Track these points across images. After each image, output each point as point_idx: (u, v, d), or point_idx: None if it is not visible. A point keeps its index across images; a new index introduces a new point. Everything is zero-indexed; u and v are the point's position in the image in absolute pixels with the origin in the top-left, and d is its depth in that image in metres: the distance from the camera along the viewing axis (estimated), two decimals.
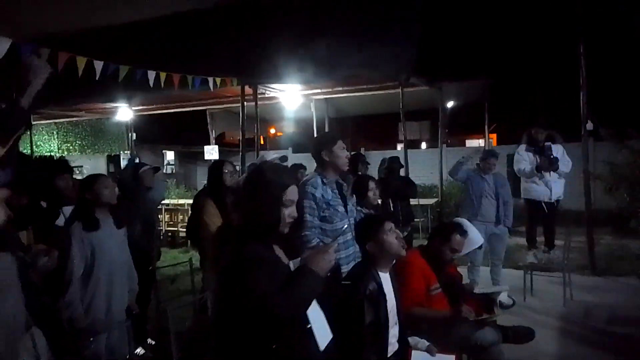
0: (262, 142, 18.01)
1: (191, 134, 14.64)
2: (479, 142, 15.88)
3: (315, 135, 10.57)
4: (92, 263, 2.89)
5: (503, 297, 4.50)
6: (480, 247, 3.76)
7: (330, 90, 9.45)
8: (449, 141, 20.60)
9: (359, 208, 3.68)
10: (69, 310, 2.87)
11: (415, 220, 8.32)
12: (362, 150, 14.52)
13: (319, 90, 9.51)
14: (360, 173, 5.88)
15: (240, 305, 1.65)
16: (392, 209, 5.50)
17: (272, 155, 4.31)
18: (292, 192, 1.80)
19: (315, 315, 1.79)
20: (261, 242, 1.73)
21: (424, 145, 22.15)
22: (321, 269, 1.73)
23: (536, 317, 4.90)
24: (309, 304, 1.71)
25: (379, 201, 4.68)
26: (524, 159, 5.79)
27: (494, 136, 21.36)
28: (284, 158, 4.52)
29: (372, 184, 3.93)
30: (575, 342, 4.31)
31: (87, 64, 5.57)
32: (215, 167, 3.59)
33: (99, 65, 5.55)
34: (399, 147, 19.05)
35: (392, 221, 2.62)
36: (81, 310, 2.91)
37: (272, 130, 22.66)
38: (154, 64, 6.66)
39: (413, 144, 22.12)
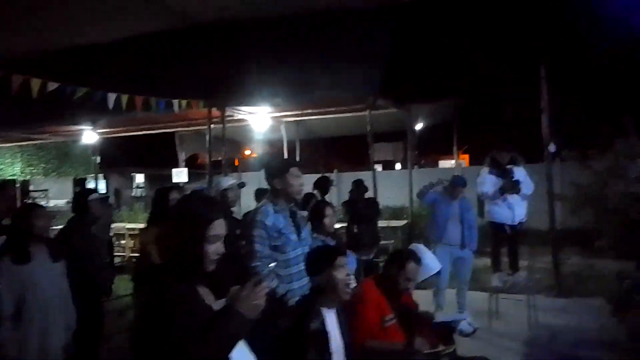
0: (236, 163, 17.89)
1: (162, 156, 14.44)
2: (452, 163, 16.00)
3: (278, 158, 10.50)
4: (23, 299, 2.71)
5: (463, 325, 4.43)
6: (438, 273, 3.69)
7: (300, 112, 9.43)
8: (422, 162, 20.82)
9: (315, 235, 3.58)
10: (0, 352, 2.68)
11: (385, 242, 8.27)
12: (336, 172, 14.49)
13: (288, 113, 9.49)
14: (322, 197, 5.81)
15: (155, 350, 1.52)
16: (356, 232, 5.44)
17: (230, 181, 4.18)
18: (218, 227, 1.69)
19: (241, 359, 1.66)
20: (182, 281, 1.61)
21: (398, 166, 22.31)
22: (248, 310, 1.61)
23: (501, 341, 4.84)
24: (232, 348, 1.58)
25: (336, 227, 4.59)
26: (487, 182, 5.80)
27: (466, 157, 21.65)
28: (242, 184, 4.42)
29: (328, 210, 3.84)
30: None
31: (43, 86, 5.42)
32: (160, 195, 3.45)
33: (54, 87, 5.39)
34: (376, 167, 19.13)
35: (345, 255, 2.52)
36: (14, 352, 2.72)
37: (248, 152, 22.53)
38: (115, 86, 6.53)
39: (387, 165, 22.30)
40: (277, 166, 3.09)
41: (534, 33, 6.65)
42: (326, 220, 3.81)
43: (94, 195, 3.90)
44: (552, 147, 6.35)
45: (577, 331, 5.02)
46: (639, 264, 5.39)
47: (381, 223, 7.72)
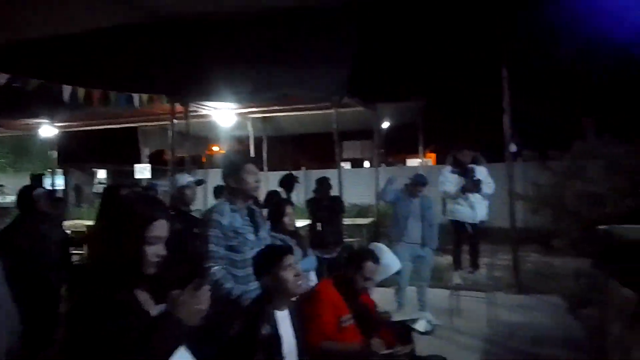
0: (203, 160, 17.61)
1: (125, 151, 14.07)
2: (418, 162, 16.19)
3: (232, 156, 10.40)
4: None
5: (420, 325, 4.47)
6: (399, 272, 3.69)
7: (265, 109, 9.33)
8: (390, 160, 20.99)
9: (273, 235, 3.51)
10: None
11: (351, 240, 8.28)
12: (304, 170, 14.43)
13: (253, 109, 9.38)
14: (288, 195, 5.75)
15: (85, 358, 1.43)
16: (319, 230, 5.40)
17: (187, 178, 4.06)
18: (158, 228, 1.60)
19: None
20: (118, 285, 1.52)
21: (367, 164, 22.42)
22: (188, 316, 1.53)
23: (462, 338, 4.89)
24: (168, 356, 1.50)
25: (300, 226, 4.54)
26: (449, 181, 5.87)
27: (433, 156, 21.94)
28: (200, 182, 4.30)
29: (288, 208, 3.77)
30: None
31: None
32: (109, 193, 3.31)
33: (4, 79, 5.15)
34: (344, 165, 19.25)
35: (292, 254, 2.46)
36: None
37: (215, 148, 22.23)
38: (73, 79, 6.29)
39: (356, 163, 22.38)
40: (231, 163, 3.00)
41: (496, 35, 6.75)
42: (286, 219, 3.74)
43: (39, 191, 3.70)
44: (513, 147, 6.46)
45: (535, 328, 5.12)
46: (595, 262, 5.53)
47: (347, 221, 7.71)
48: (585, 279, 5.38)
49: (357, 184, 10.82)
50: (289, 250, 2.50)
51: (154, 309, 1.62)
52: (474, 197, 5.76)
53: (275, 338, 2.21)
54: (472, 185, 5.68)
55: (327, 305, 2.88)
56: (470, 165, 5.86)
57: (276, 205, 3.89)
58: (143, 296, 1.61)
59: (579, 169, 7.68)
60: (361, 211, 10.66)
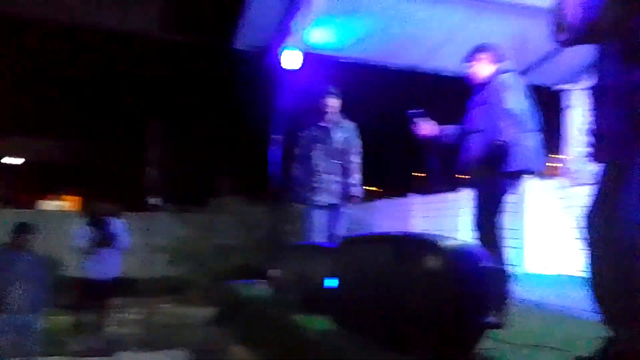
0: None
1: None
2: (54, 205, 14.40)
3: None
4: None
5: None
6: None
7: None
8: (21, 200, 17.99)
9: None
10: None
11: None
12: None
13: None
14: None
15: None
16: None
17: None
18: None
19: None
20: None
21: None
22: None
23: None
24: None
25: None
26: (81, 234, 5.34)
27: (78, 199, 20.09)
28: None
29: None
30: None
31: None
32: None
33: None
34: None
35: None
36: None
37: None
38: None
39: None
40: None
41: (148, 88, 6.84)
42: None
43: None
44: (155, 200, 6.53)
45: None
46: (217, 316, 5.91)
47: None
48: (212, 330, 5.68)
49: None
50: None
51: None
52: (108, 251, 5.39)
53: None
54: (105, 239, 5.31)
55: None
56: (105, 217, 5.47)
57: None
58: None
59: (215, 223, 8.42)
60: None
